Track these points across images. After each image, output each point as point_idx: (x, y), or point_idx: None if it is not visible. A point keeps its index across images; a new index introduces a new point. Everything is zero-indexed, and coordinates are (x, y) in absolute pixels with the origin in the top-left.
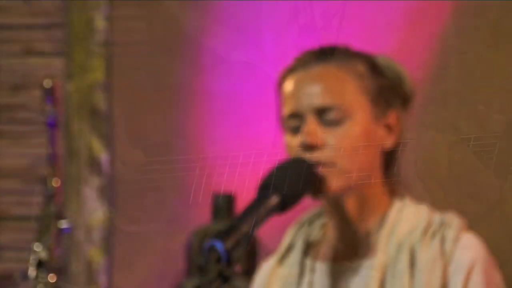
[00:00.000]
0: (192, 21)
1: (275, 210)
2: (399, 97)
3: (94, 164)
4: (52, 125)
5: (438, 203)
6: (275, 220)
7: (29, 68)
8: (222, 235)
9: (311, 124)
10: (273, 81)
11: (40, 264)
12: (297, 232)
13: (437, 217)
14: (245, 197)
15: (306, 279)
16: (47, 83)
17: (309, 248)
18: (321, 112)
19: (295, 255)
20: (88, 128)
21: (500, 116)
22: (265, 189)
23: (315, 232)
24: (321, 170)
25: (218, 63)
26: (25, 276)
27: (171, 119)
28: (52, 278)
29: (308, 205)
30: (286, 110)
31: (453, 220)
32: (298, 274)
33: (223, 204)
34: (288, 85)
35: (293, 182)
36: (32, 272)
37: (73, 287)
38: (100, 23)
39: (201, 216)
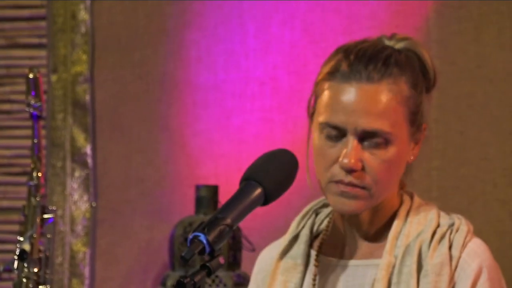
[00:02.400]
0: (175, 14)
1: (258, 203)
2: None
3: (77, 156)
4: (36, 117)
5: (421, 195)
6: (258, 212)
7: (13, 60)
8: (205, 227)
9: (354, 147)
10: (256, 74)
11: (23, 256)
12: (302, 223)
13: (445, 220)
14: (228, 188)
15: (310, 271)
16: (31, 75)
17: (314, 240)
18: (365, 135)
19: (300, 246)
20: (72, 120)
21: (483, 109)
22: (248, 181)
23: (321, 223)
24: (352, 190)
25: (201, 56)
26: (9, 268)
27: (154, 112)
28: (35, 269)
29: (294, 199)
30: (327, 116)
31: (461, 225)
32: (303, 265)
33: (207, 196)
34: (333, 91)
35: (276, 174)
36: (15, 263)
37: None
38: (83, 15)
39: (185, 208)
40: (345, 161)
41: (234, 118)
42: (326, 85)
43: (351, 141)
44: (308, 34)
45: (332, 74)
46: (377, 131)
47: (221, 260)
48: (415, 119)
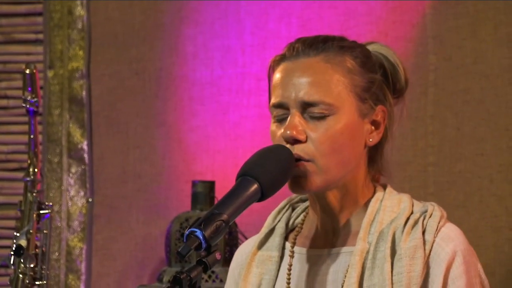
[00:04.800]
0: (172, 10)
1: (254, 198)
2: (392, 90)
3: (74, 151)
4: (32, 113)
5: (417, 191)
6: (255, 208)
7: (9, 56)
8: (202, 223)
9: (295, 118)
10: (252, 70)
11: (20, 251)
12: (278, 217)
13: (418, 207)
14: (225, 184)
15: (285, 263)
16: (28, 71)
17: (290, 232)
18: (305, 106)
19: (275, 238)
20: (68, 116)
21: (479, 105)
22: (244, 176)
23: (297, 217)
24: (301, 165)
25: (197, 52)
26: (5, 263)
27: (151, 107)
28: (31, 265)
29: (290, 194)
30: (273, 99)
31: (434, 211)
32: (278, 257)
33: (203, 192)
34: (277, 74)
35: (272, 170)
36: (12, 259)
37: None
38: (80, 11)
39: (181, 203)
40: (287, 132)
41: (231, 114)
42: (272, 73)
43: (292, 113)
44: (305, 31)
45: (276, 62)
46: (315, 101)
47: (218, 255)
48: (366, 97)
